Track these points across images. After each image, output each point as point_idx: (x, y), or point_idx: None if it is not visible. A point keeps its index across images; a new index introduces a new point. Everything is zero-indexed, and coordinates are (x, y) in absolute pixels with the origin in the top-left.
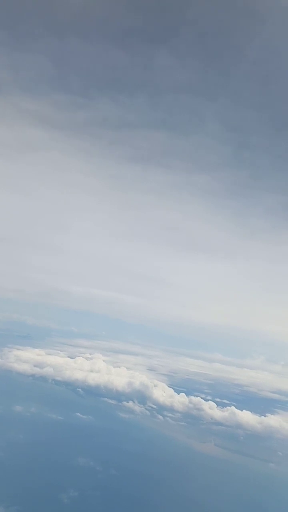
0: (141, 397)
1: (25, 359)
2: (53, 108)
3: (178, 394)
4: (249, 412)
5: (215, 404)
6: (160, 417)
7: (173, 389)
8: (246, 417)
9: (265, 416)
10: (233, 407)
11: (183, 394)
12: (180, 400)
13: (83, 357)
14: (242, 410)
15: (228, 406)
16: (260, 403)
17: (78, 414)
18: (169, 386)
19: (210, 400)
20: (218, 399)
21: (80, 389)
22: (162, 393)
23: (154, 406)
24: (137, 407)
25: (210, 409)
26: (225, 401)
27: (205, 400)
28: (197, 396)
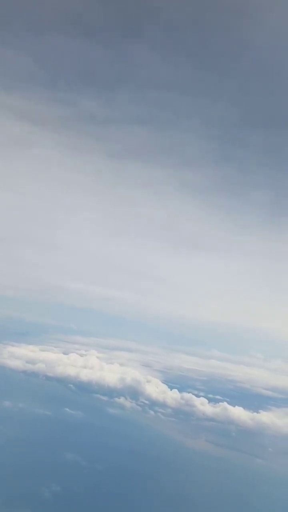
0: (133, 393)
1: (19, 355)
2: (36, 104)
3: (172, 390)
4: (241, 408)
5: (207, 400)
6: (152, 412)
7: (167, 385)
8: (238, 413)
9: (257, 413)
10: (225, 403)
11: (176, 390)
12: (172, 396)
13: (77, 354)
14: (234, 406)
15: (221, 402)
16: (254, 400)
17: (67, 409)
18: (163, 382)
19: (203, 396)
20: (211, 395)
21: (72, 385)
22: (155, 389)
23: (147, 402)
24: (128, 403)
25: (202, 405)
26: (219, 397)
27: (197, 396)
28: (189, 392)
